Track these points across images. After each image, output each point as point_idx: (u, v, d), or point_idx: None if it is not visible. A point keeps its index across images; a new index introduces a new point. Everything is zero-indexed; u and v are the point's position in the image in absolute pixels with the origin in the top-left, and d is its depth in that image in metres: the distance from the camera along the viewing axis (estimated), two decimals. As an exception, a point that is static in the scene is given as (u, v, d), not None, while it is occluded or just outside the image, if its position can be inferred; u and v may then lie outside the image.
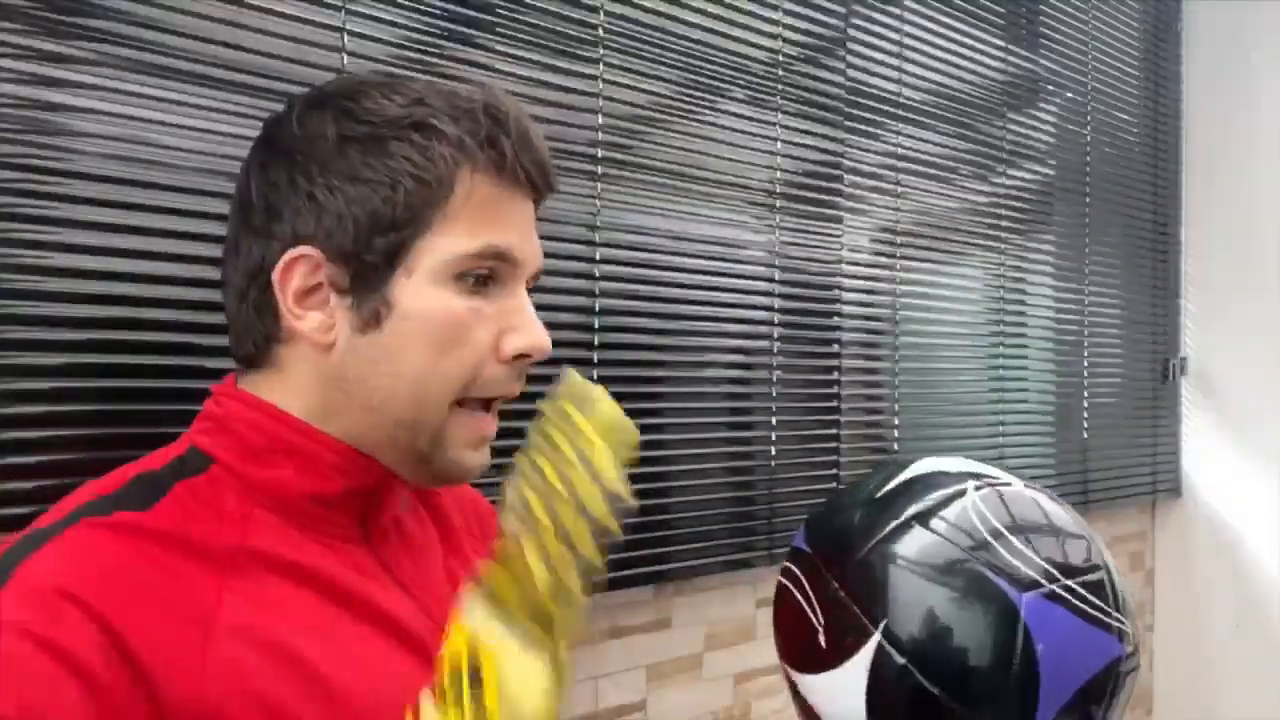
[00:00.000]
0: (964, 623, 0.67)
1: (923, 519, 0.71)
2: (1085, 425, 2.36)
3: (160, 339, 0.99)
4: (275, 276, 0.66)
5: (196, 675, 0.58)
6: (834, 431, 1.74)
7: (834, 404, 1.75)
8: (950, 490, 0.72)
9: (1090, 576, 0.69)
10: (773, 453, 1.63)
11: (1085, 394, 2.36)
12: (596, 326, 1.39)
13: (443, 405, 0.67)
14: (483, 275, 0.67)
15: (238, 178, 0.72)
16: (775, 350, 1.63)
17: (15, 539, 0.62)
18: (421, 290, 0.66)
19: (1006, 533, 0.69)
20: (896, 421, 1.88)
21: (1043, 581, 0.67)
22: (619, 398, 1.47)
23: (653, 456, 1.46)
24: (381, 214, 0.65)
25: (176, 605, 0.59)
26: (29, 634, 0.55)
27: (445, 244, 0.66)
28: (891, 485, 0.75)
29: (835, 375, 1.75)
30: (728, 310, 1.56)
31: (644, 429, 1.57)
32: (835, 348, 1.75)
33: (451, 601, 0.74)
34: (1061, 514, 0.74)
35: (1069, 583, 0.68)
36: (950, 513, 0.71)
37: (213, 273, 1.02)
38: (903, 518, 0.71)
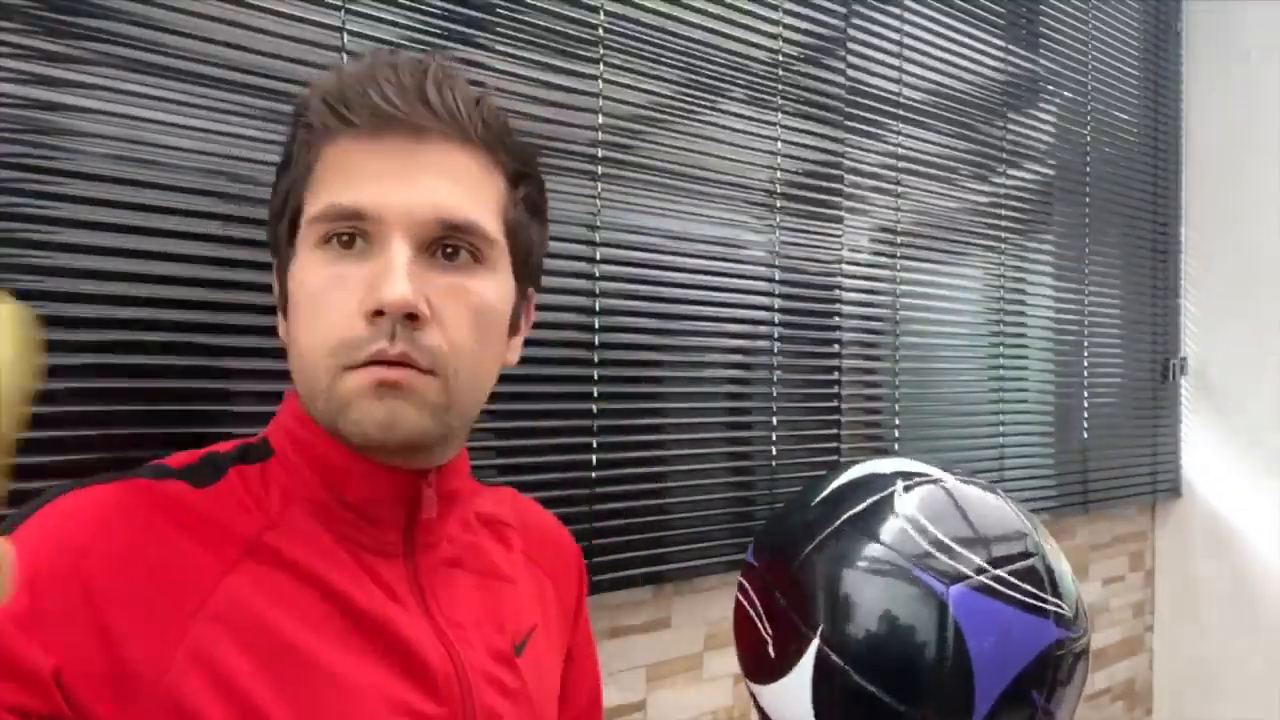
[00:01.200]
0: (895, 621, 0.68)
1: (854, 523, 0.72)
2: (1085, 426, 2.36)
3: (160, 339, 0.99)
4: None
5: (164, 660, 0.57)
6: (834, 432, 1.74)
7: (834, 404, 1.75)
8: (880, 493, 0.73)
9: (1021, 564, 0.70)
10: (773, 453, 1.63)
11: (1085, 394, 2.36)
12: (596, 326, 1.39)
13: (327, 370, 0.62)
14: (344, 236, 0.63)
15: None
16: (775, 350, 1.63)
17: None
18: (298, 266, 0.65)
19: (932, 528, 0.70)
20: (896, 422, 1.88)
21: (970, 574, 0.68)
22: (619, 397, 1.47)
23: (653, 456, 1.46)
24: (276, 204, 0.69)
25: (169, 588, 0.59)
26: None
27: (308, 212, 0.65)
28: (827, 492, 0.77)
29: (835, 375, 1.75)
30: (728, 310, 1.56)
31: (644, 429, 1.57)
32: (835, 348, 1.75)
33: (483, 642, 0.71)
34: (993, 503, 0.74)
35: (998, 572, 0.69)
36: (879, 514, 0.72)
37: (213, 273, 1.03)
38: (835, 524, 0.72)
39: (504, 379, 1.27)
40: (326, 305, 0.62)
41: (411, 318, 0.61)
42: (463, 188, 0.64)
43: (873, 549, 0.70)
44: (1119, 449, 2.46)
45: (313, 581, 0.63)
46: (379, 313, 0.61)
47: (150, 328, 0.99)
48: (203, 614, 0.59)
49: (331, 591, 0.64)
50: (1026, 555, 0.71)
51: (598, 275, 1.39)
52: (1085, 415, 2.36)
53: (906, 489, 0.73)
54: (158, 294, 0.99)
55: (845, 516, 0.72)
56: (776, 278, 1.63)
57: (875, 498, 0.73)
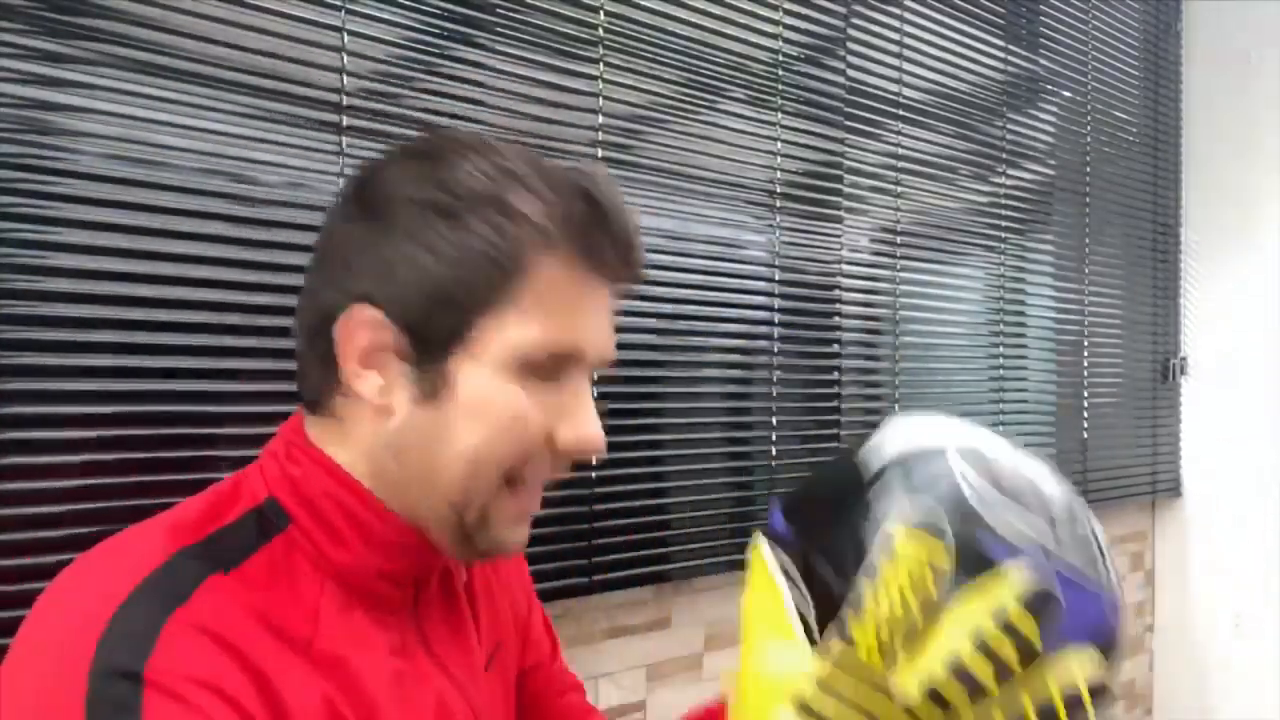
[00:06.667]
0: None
1: (908, 487, 0.70)
2: (1085, 425, 2.36)
3: (159, 339, 0.99)
4: (337, 332, 0.63)
5: None
6: (834, 431, 1.74)
7: (834, 404, 1.75)
8: (933, 457, 0.73)
9: (1079, 530, 0.70)
10: (773, 453, 1.63)
11: (1085, 394, 2.36)
12: (596, 326, 1.39)
13: (492, 484, 0.65)
14: (553, 366, 0.65)
15: (325, 214, 0.69)
16: (775, 350, 1.63)
17: (108, 598, 0.57)
18: (484, 375, 0.63)
19: (995, 491, 0.69)
20: (896, 421, 1.88)
21: (1036, 538, 0.68)
22: (619, 398, 1.47)
23: (653, 456, 1.46)
24: (450, 291, 0.62)
25: (281, 690, 0.59)
26: (193, 679, 0.55)
27: (514, 333, 0.63)
28: (869, 456, 0.75)
29: (835, 375, 1.75)
30: (728, 310, 1.56)
31: (644, 429, 1.56)
32: (835, 347, 1.75)
33: (481, 675, 0.74)
34: (1042, 471, 0.74)
35: (1062, 539, 0.68)
36: (934, 479, 0.71)
37: (211, 273, 1.03)
38: (886, 486, 0.71)
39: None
40: (525, 426, 0.64)
41: None
42: None
43: (933, 515, 0.69)
44: (1119, 448, 2.46)
45: (358, 672, 0.64)
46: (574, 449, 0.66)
47: (147, 329, 0.99)
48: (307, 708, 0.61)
49: (374, 672, 0.65)
50: (1082, 524, 0.71)
51: (598, 275, 1.39)
52: (1085, 415, 2.36)
53: (960, 452, 0.73)
54: (157, 294, 0.99)
55: (897, 480, 0.71)
56: (776, 278, 1.63)
57: (926, 460, 0.72)
